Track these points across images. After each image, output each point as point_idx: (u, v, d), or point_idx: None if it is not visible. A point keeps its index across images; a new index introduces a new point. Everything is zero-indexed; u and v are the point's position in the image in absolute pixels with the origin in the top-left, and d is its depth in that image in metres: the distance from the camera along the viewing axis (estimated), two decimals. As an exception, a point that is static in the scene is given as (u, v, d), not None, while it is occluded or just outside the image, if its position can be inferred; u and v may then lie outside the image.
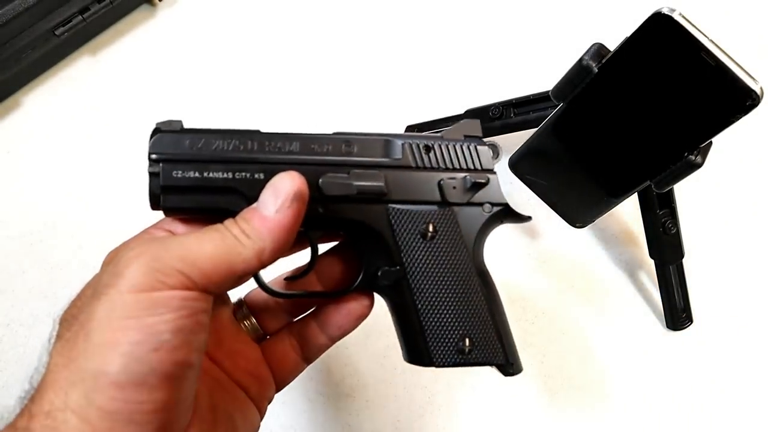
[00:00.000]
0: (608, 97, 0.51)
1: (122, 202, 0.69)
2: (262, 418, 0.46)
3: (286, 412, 0.62)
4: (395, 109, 0.73)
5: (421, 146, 0.45)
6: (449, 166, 0.45)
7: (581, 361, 0.66)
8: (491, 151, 0.46)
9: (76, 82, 0.74)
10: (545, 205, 0.60)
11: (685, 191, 0.61)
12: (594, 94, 0.51)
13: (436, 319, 0.44)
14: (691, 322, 0.66)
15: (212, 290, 0.36)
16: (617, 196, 0.54)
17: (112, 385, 0.32)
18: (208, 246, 0.36)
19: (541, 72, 0.59)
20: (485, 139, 0.47)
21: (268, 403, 0.47)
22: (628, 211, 0.70)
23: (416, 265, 0.44)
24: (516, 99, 0.63)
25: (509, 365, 0.45)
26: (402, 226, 0.44)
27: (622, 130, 0.51)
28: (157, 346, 0.33)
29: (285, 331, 0.49)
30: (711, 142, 0.49)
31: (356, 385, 0.64)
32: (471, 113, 0.66)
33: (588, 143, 0.54)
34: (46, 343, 0.36)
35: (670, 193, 0.61)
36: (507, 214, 0.46)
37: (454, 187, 0.45)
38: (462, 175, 0.45)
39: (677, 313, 0.65)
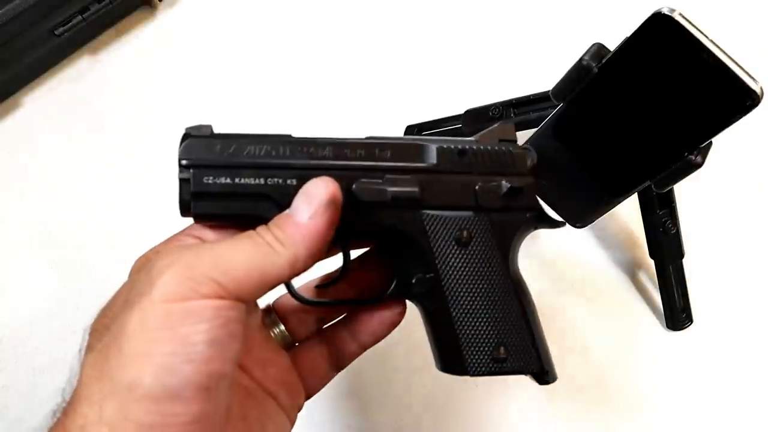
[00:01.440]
0: (608, 97, 0.51)
1: (123, 201, 0.69)
2: (292, 426, 0.45)
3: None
4: (395, 109, 0.73)
5: (455, 150, 0.44)
6: (484, 170, 0.44)
7: (581, 361, 0.66)
8: (526, 156, 0.45)
9: (76, 82, 0.74)
10: (545, 204, 0.60)
11: (685, 191, 0.61)
12: (594, 94, 0.51)
13: (471, 327, 0.43)
14: (691, 322, 0.66)
15: (245, 299, 0.35)
16: (617, 196, 0.54)
17: (147, 397, 0.32)
18: (241, 253, 0.36)
19: (541, 72, 0.59)
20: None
21: (298, 411, 0.46)
22: (628, 211, 0.70)
23: (451, 272, 0.43)
24: (516, 99, 0.63)
25: (545, 373, 0.44)
26: (437, 233, 0.43)
27: (622, 129, 0.51)
28: (191, 357, 0.32)
29: (314, 338, 0.48)
30: (711, 142, 0.49)
31: (356, 385, 0.64)
32: (471, 113, 0.66)
33: (588, 143, 0.54)
34: (77, 354, 0.35)
35: (670, 193, 0.61)
36: (541, 219, 0.46)
37: (490, 193, 0.44)
38: (497, 180, 0.44)
39: (677, 313, 0.65)
